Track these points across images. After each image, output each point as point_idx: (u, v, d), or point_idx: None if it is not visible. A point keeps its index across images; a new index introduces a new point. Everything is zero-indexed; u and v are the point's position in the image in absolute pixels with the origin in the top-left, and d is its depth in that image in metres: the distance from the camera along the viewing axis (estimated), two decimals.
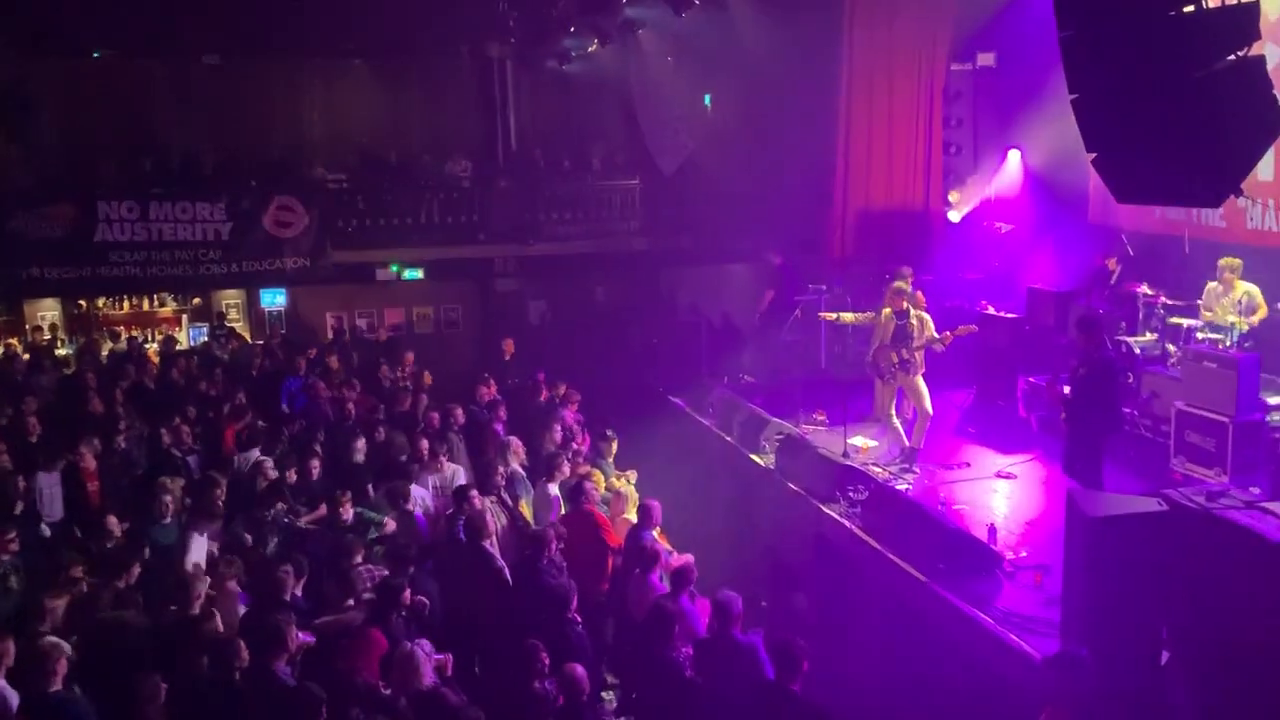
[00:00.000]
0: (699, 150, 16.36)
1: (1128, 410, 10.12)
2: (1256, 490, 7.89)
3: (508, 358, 14.52)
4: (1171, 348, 10.14)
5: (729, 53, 15.23)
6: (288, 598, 7.01)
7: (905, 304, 10.01)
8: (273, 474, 9.23)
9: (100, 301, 17.00)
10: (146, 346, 15.80)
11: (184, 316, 17.64)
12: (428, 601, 7.31)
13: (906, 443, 10.10)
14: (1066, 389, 8.13)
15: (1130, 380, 9.71)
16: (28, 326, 16.19)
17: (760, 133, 16.66)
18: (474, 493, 8.60)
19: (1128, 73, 5.78)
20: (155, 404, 11.86)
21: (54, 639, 6.25)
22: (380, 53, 17.89)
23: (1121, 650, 5.68)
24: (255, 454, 9.93)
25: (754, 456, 10.84)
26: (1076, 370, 8.17)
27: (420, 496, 9.08)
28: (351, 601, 7.21)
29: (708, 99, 18.06)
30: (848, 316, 10.88)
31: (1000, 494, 9.49)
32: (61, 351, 15.52)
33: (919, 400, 9.94)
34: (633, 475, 9.95)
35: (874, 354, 10.13)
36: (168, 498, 8.51)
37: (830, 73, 14.61)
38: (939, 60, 13.26)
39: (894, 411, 10.21)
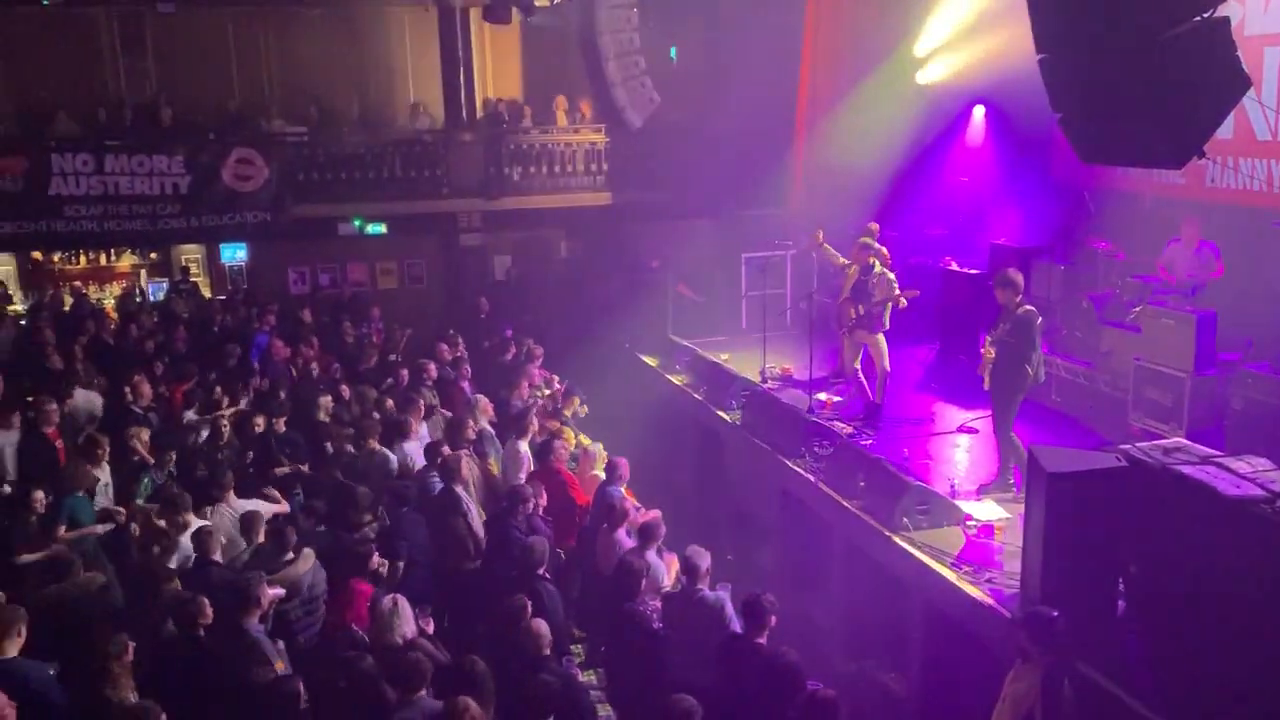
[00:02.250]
0: (665, 104, 16.22)
1: (1084, 365, 10.30)
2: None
3: (483, 315, 14.42)
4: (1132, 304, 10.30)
5: (695, 4, 15.07)
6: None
7: (871, 259, 10.06)
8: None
9: (56, 256, 16.69)
10: (103, 301, 15.54)
11: (143, 271, 17.35)
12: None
13: (871, 397, 10.21)
14: (990, 349, 8.17)
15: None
16: None
17: (726, 86, 16.54)
18: (445, 447, 8.62)
19: (1094, 34, 5.80)
20: (114, 360, 11.68)
21: (11, 606, 6.10)
22: (339, 2, 17.49)
23: (1079, 602, 5.81)
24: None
25: (721, 413, 10.91)
26: (1000, 326, 8.16)
27: (411, 451, 9.03)
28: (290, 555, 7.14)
29: (674, 52, 17.88)
30: (834, 254, 10.75)
31: (962, 448, 9.65)
32: (15, 308, 15.21)
33: (878, 357, 10.02)
34: None
35: (838, 308, 10.20)
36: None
37: (794, 23, 14.54)
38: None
39: (859, 367, 10.30)
